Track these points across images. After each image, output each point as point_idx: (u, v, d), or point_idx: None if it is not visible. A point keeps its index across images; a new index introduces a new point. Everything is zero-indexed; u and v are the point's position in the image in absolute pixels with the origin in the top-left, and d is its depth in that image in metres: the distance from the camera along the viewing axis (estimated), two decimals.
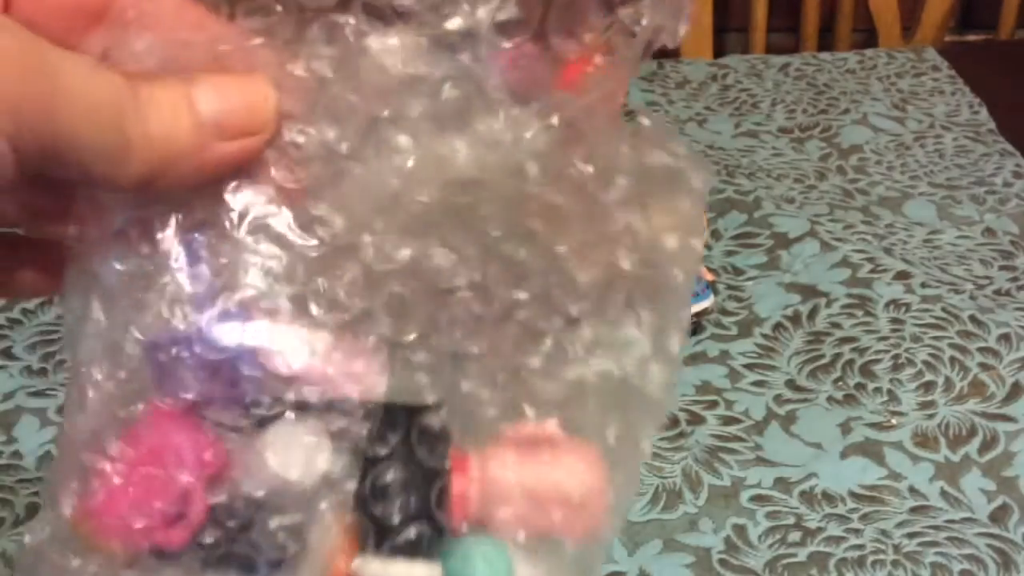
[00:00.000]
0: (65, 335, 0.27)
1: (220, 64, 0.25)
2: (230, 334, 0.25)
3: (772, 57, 1.04)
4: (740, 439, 0.62)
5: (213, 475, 0.25)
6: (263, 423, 0.25)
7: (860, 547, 0.56)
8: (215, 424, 0.25)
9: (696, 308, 0.69)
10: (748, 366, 0.67)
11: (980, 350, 0.68)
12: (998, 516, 0.57)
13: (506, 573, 0.26)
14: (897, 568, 0.54)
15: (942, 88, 0.98)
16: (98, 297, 0.26)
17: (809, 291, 0.73)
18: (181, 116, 0.24)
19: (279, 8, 0.25)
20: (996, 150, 0.89)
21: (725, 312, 0.72)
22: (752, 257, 0.77)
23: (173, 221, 0.25)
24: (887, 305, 0.72)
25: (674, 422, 0.63)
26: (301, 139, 0.25)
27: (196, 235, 0.25)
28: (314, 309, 0.25)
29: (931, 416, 0.63)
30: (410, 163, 0.25)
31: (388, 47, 0.25)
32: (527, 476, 0.27)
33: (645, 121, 0.28)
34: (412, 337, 0.26)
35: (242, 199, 0.25)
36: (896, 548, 0.55)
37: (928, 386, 0.65)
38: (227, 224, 0.25)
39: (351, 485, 0.26)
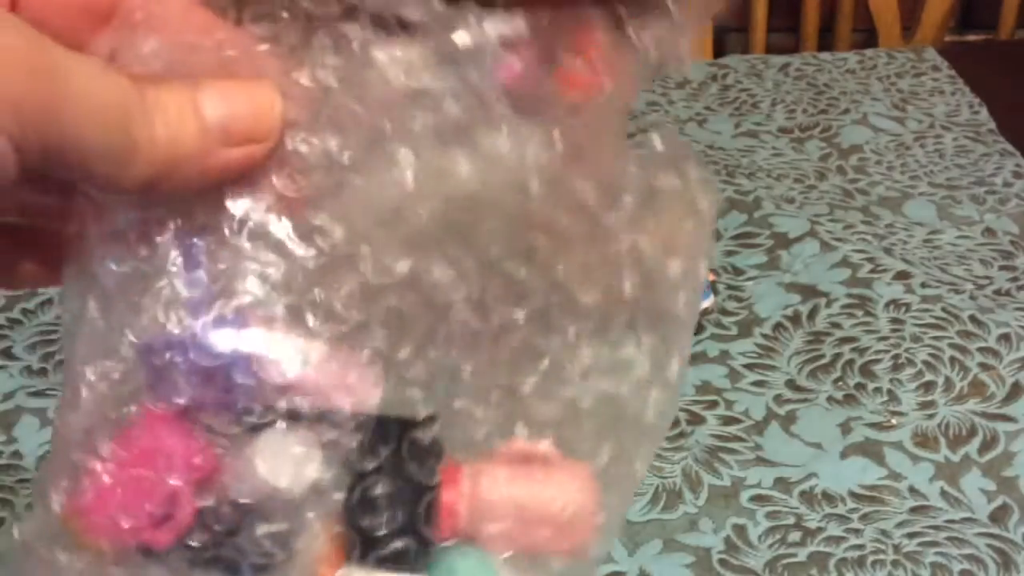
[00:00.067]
0: (62, 332, 0.27)
1: (226, 69, 0.25)
2: (225, 340, 0.25)
3: (772, 57, 1.04)
4: (740, 439, 0.62)
5: (202, 479, 0.25)
6: (254, 430, 0.25)
7: (860, 547, 0.56)
8: (207, 429, 0.25)
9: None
10: (748, 366, 0.67)
11: (980, 350, 0.68)
12: (998, 516, 0.57)
13: None
14: (897, 568, 0.54)
15: (942, 88, 0.98)
16: (95, 297, 0.26)
17: (809, 291, 0.73)
18: (187, 120, 0.24)
19: (285, 15, 0.25)
20: (996, 150, 0.89)
21: (725, 312, 0.72)
22: (752, 257, 0.77)
23: (173, 224, 0.25)
24: (887, 305, 0.72)
25: (674, 422, 0.63)
26: (304, 148, 0.25)
27: (195, 239, 0.25)
28: (310, 319, 0.25)
29: (931, 416, 0.63)
30: (411, 177, 0.25)
31: (394, 59, 0.25)
32: (518, 493, 0.27)
33: (656, 141, 0.28)
34: (407, 352, 0.26)
35: (243, 205, 0.25)
36: (896, 548, 0.55)
37: (928, 386, 0.66)
38: (227, 230, 0.25)
39: (339, 496, 0.26)
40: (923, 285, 0.73)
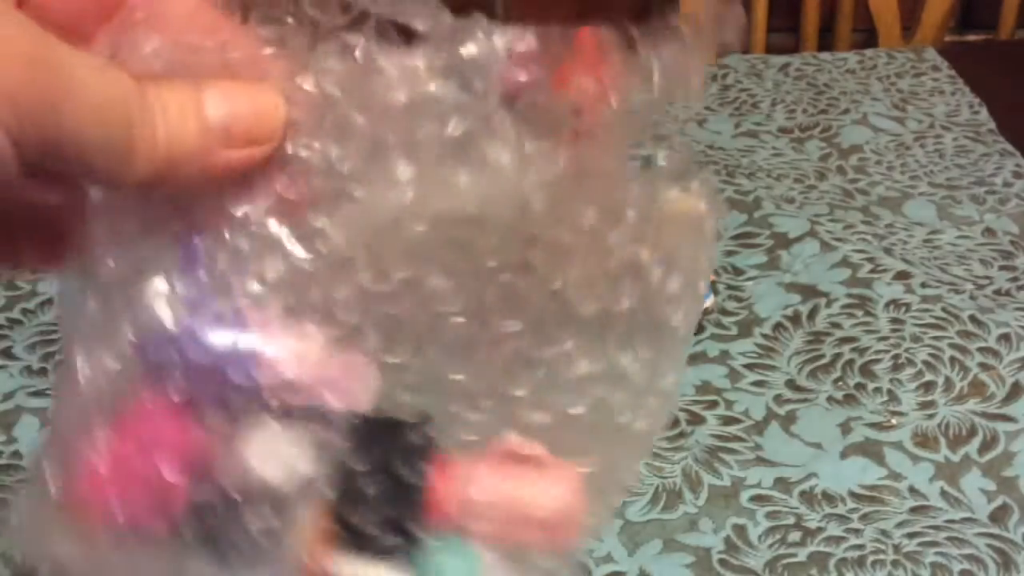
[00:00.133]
0: (60, 320, 0.27)
1: (230, 71, 0.25)
2: (221, 339, 0.25)
3: (772, 57, 1.04)
4: (740, 439, 0.62)
5: (196, 470, 0.25)
6: (248, 427, 0.25)
7: (860, 547, 0.56)
8: (201, 423, 0.25)
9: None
10: (748, 366, 0.67)
11: (980, 350, 0.68)
12: (998, 516, 0.57)
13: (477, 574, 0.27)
14: (897, 568, 0.54)
15: (942, 88, 0.98)
16: (93, 290, 0.26)
17: (809, 291, 0.73)
18: (188, 120, 0.24)
19: (291, 20, 0.25)
20: (996, 150, 0.89)
21: (725, 312, 0.72)
22: (752, 257, 0.77)
23: (173, 222, 0.25)
24: (887, 305, 0.72)
25: (674, 422, 0.63)
26: (305, 153, 0.25)
27: (195, 238, 0.25)
28: (307, 321, 0.25)
29: (931, 416, 0.63)
30: (411, 191, 0.25)
31: (399, 68, 0.25)
32: (506, 492, 0.27)
33: (661, 159, 0.28)
34: (402, 355, 0.26)
35: (243, 207, 0.25)
36: (896, 548, 0.55)
37: (928, 386, 0.65)
38: (226, 230, 0.25)
39: (330, 493, 0.26)
40: (923, 285, 0.73)
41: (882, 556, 0.55)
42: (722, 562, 0.55)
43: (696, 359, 0.68)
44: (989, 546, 0.55)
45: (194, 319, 0.25)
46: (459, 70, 0.25)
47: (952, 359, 0.67)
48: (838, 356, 0.68)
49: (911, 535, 0.56)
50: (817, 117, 0.94)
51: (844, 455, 0.61)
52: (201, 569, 0.26)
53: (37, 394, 0.66)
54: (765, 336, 0.70)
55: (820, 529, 0.57)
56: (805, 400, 0.65)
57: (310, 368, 0.25)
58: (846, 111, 0.95)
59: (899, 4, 1.35)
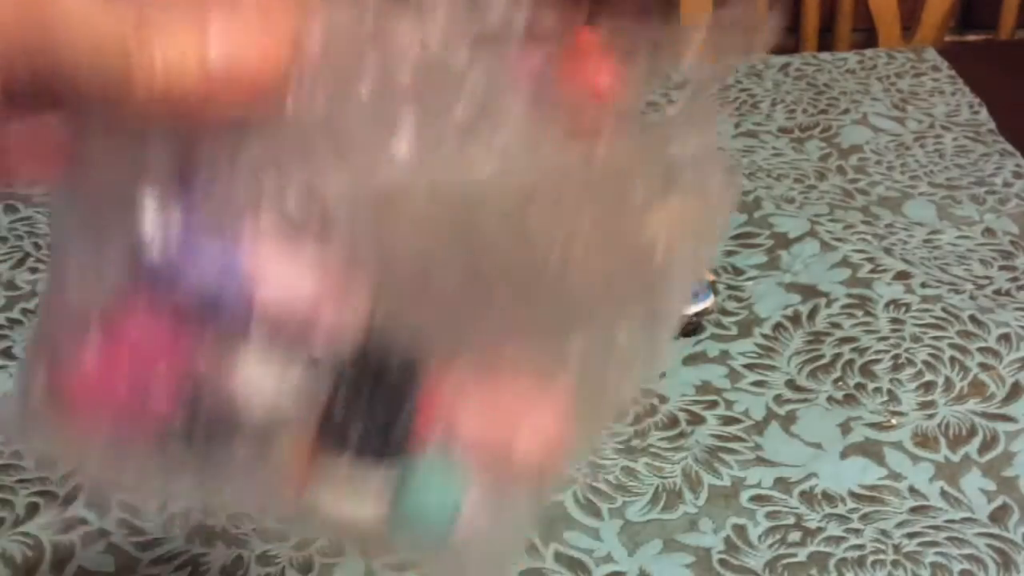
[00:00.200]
0: (50, 227, 0.27)
1: (237, 9, 0.24)
2: (212, 255, 0.25)
3: (772, 57, 1.04)
4: (740, 439, 0.62)
5: (184, 383, 0.25)
6: (236, 345, 0.25)
7: (860, 547, 0.56)
8: (191, 337, 0.25)
9: (696, 308, 0.69)
10: (748, 366, 0.67)
11: (980, 350, 0.68)
12: (998, 516, 0.57)
13: (459, 497, 0.27)
14: (897, 568, 0.54)
15: (942, 88, 0.98)
16: (84, 201, 0.26)
17: (809, 291, 0.73)
18: (190, 54, 0.23)
19: None
20: (996, 150, 0.89)
21: (725, 312, 0.72)
22: (752, 257, 0.77)
23: (167, 147, 0.25)
24: (887, 305, 0.72)
25: (674, 422, 0.63)
26: (308, 97, 0.24)
27: (191, 169, 0.25)
28: (299, 244, 0.25)
29: (931, 416, 0.63)
30: (410, 161, 0.25)
31: (411, 32, 0.25)
32: (492, 408, 0.27)
33: (670, 110, 0.27)
34: (394, 279, 0.26)
35: (242, 145, 0.25)
36: (896, 548, 0.55)
37: (928, 386, 0.65)
38: (223, 166, 0.25)
39: (317, 408, 0.26)
40: (923, 285, 0.73)
41: (882, 556, 0.55)
42: (722, 562, 0.55)
43: (696, 359, 0.68)
44: (989, 546, 0.55)
45: (185, 235, 0.25)
46: (475, 36, 0.25)
47: (952, 359, 0.67)
48: (838, 356, 0.68)
49: (911, 535, 0.56)
50: (817, 117, 0.94)
51: (844, 455, 0.61)
52: (185, 481, 0.27)
53: None
54: (765, 336, 0.70)
55: (820, 529, 0.57)
56: (805, 400, 0.65)
57: (301, 289, 0.25)
58: (846, 111, 0.95)
59: (899, 4, 1.35)
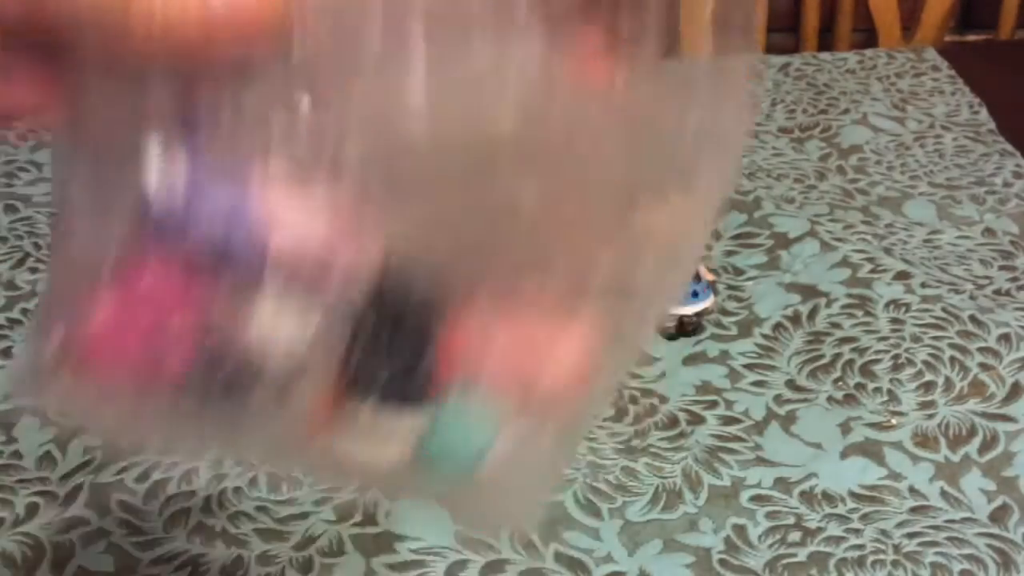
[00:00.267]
0: (54, 180, 0.26)
1: None
2: (221, 198, 0.24)
3: (772, 57, 1.04)
4: (740, 439, 0.62)
5: (200, 330, 0.25)
6: (252, 288, 0.25)
7: (860, 547, 0.56)
8: (205, 284, 0.25)
9: (696, 308, 0.69)
10: (748, 366, 0.67)
11: (980, 350, 0.68)
12: (998, 516, 0.57)
13: (485, 437, 0.27)
14: (897, 568, 0.54)
15: (942, 88, 0.98)
16: (87, 149, 0.25)
17: (809, 291, 0.73)
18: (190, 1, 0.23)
19: None
20: (996, 150, 0.89)
21: (725, 312, 0.72)
22: (752, 257, 0.77)
23: (171, 86, 0.24)
24: (887, 305, 0.72)
25: (674, 422, 0.63)
26: (312, 37, 0.24)
27: (194, 106, 0.24)
28: (311, 182, 0.25)
29: (931, 416, 0.63)
30: (423, 95, 0.24)
31: None
32: (518, 341, 0.26)
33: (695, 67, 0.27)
34: (410, 214, 0.25)
35: (246, 87, 0.24)
36: (896, 548, 0.55)
37: (928, 386, 0.66)
38: (228, 109, 0.24)
39: (337, 355, 0.25)
40: (923, 285, 0.73)
41: (882, 556, 0.55)
42: (722, 562, 0.55)
43: (696, 359, 0.68)
44: (989, 546, 0.55)
45: (192, 181, 0.24)
46: None
47: (952, 359, 0.67)
48: (838, 356, 0.68)
49: (911, 535, 0.56)
50: (817, 117, 0.94)
51: (844, 455, 0.61)
52: (205, 434, 0.26)
53: None
54: (765, 336, 0.70)
55: (820, 529, 0.57)
56: (805, 400, 0.65)
57: (315, 228, 0.25)
58: (846, 111, 0.95)
59: (899, 4, 1.35)
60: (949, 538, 0.56)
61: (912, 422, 0.63)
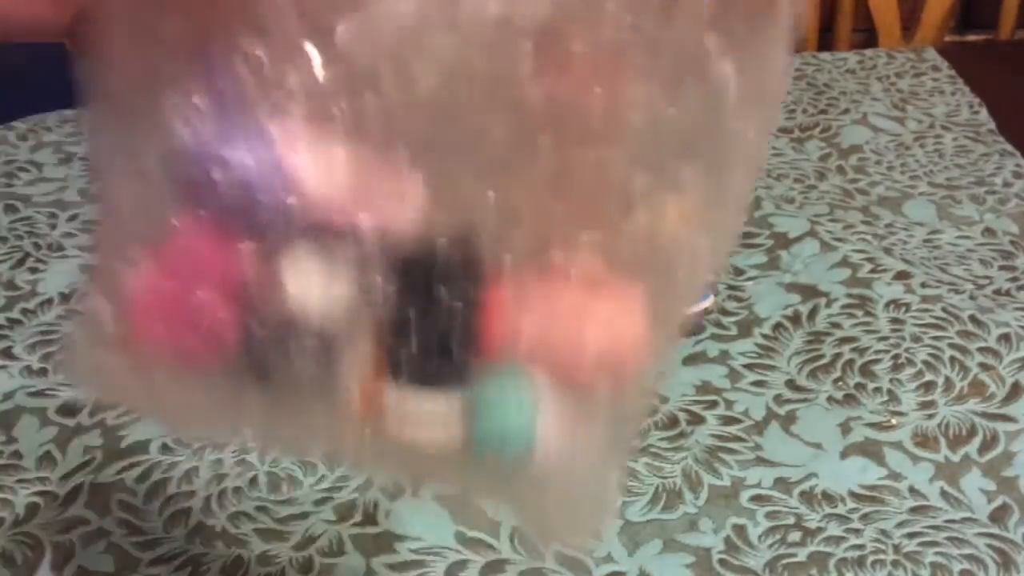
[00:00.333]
0: (90, 151, 0.26)
1: None
2: (245, 156, 0.24)
3: None
4: (740, 439, 0.62)
5: (240, 299, 0.25)
6: (283, 250, 0.24)
7: (860, 547, 0.55)
8: (239, 249, 0.25)
9: (696, 308, 0.69)
10: (748, 366, 0.67)
11: (980, 350, 0.68)
12: (998, 516, 0.57)
13: (532, 408, 0.26)
14: (897, 568, 0.54)
15: (942, 88, 0.98)
16: (117, 112, 0.25)
17: (809, 291, 0.73)
18: None
19: None
20: (996, 150, 0.89)
21: (725, 312, 0.72)
22: (752, 257, 0.77)
23: (193, 38, 0.24)
24: (887, 305, 0.72)
25: (674, 422, 0.63)
26: None
27: (217, 54, 0.24)
28: (338, 136, 0.24)
29: (931, 416, 0.63)
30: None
31: None
32: (560, 314, 0.25)
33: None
34: (442, 171, 0.25)
35: (266, 21, 0.24)
36: (896, 548, 0.55)
37: (928, 386, 0.65)
38: (249, 45, 0.24)
39: (378, 320, 0.25)
40: (923, 285, 0.73)
41: (882, 556, 0.55)
42: (722, 562, 0.55)
43: (696, 359, 0.68)
44: (989, 546, 0.55)
45: (216, 137, 0.24)
46: None
47: (952, 359, 0.67)
48: (838, 356, 0.68)
49: (911, 535, 0.56)
50: (817, 117, 0.94)
51: (844, 455, 0.61)
52: (253, 400, 0.26)
53: (37, 394, 0.66)
54: (765, 336, 0.70)
55: (820, 529, 0.57)
56: (805, 400, 0.65)
57: (340, 185, 0.24)
58: (846, 111, 0.95)
59: (899, 4, 1.35)
60: (949, 538, 0.56)
61: (912, 422, 0.63)
